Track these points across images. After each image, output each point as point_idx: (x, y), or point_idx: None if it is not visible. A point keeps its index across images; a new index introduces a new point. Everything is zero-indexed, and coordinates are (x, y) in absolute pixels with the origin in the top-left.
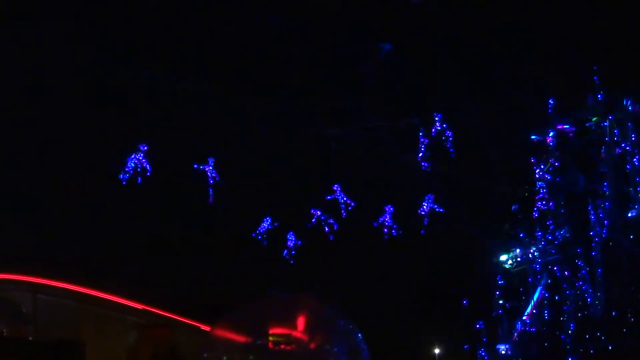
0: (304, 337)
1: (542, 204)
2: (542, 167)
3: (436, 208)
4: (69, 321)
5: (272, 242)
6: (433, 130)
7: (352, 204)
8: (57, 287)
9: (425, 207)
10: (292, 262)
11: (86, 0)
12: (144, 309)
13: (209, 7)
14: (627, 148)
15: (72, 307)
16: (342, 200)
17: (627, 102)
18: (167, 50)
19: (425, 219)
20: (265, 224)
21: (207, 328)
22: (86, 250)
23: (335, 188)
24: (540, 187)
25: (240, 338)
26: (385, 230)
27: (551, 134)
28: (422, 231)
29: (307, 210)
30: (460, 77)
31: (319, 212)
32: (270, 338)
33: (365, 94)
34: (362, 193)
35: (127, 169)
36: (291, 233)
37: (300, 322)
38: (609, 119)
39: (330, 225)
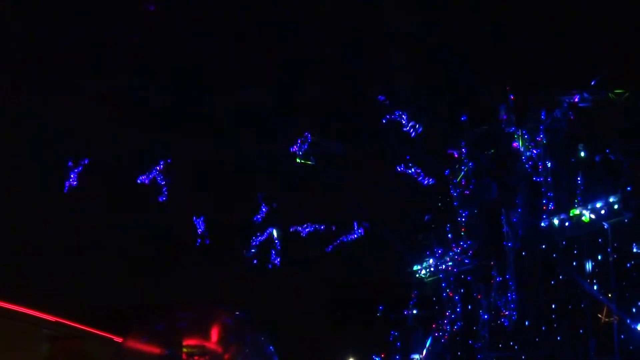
0: (218, 349)
1: (456, 214)
2: (455, 177)
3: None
4: None
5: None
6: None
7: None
8: None
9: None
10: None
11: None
12: (56, 321)
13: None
14: (539, 160)
15: None
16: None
17: (539, 112)
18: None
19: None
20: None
21: (119, 339)
22: None
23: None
24: (454, 197)
25: (153, 349)
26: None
27: (463, 144)
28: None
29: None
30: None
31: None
32: (184, 349)
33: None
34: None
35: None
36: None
37: (214, 333)
38: (521, 129)
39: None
